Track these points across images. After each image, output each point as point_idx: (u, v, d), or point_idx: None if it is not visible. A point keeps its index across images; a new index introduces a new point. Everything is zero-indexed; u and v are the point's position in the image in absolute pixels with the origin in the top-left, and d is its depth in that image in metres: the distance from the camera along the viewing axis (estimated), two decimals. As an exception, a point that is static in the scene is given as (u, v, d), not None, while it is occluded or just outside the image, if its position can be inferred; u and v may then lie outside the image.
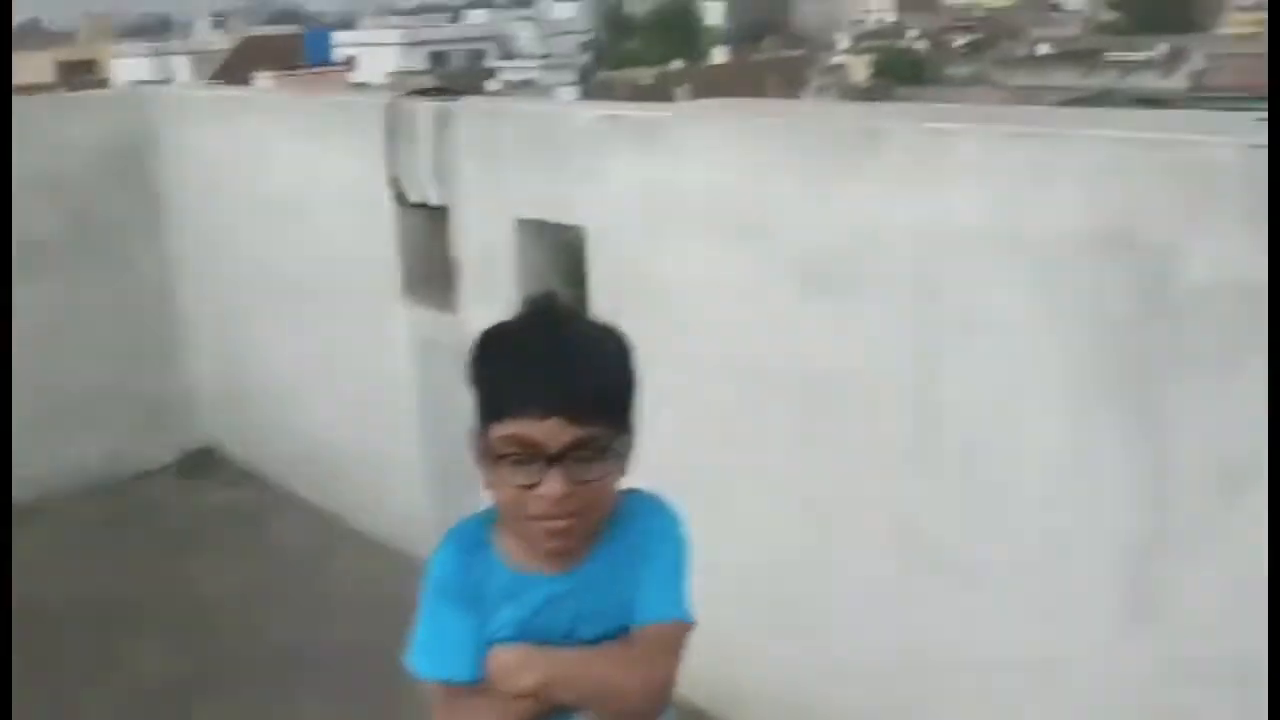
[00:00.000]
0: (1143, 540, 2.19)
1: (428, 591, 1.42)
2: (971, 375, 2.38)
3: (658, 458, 3.08)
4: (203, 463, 4.70)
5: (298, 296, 4.20)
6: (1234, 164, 1.96)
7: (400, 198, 3.52)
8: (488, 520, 1.42)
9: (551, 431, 1.27)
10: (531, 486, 1.29)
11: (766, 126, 2.74)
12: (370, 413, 3.96)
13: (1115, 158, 2.11)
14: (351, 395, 4.06)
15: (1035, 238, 2.21)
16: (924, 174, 2.37)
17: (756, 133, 2.73)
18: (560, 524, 1.32)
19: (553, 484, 1.28)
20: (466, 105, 3.38)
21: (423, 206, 3.49)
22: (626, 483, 1.42)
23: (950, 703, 2.57)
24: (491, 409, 1.31)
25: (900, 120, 2.56)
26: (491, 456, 1.31)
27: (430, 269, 3.62)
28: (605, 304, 3.04)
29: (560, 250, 3.31)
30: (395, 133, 3.46)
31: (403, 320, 3.69)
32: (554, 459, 1.28)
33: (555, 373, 1.29)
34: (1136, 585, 2.21)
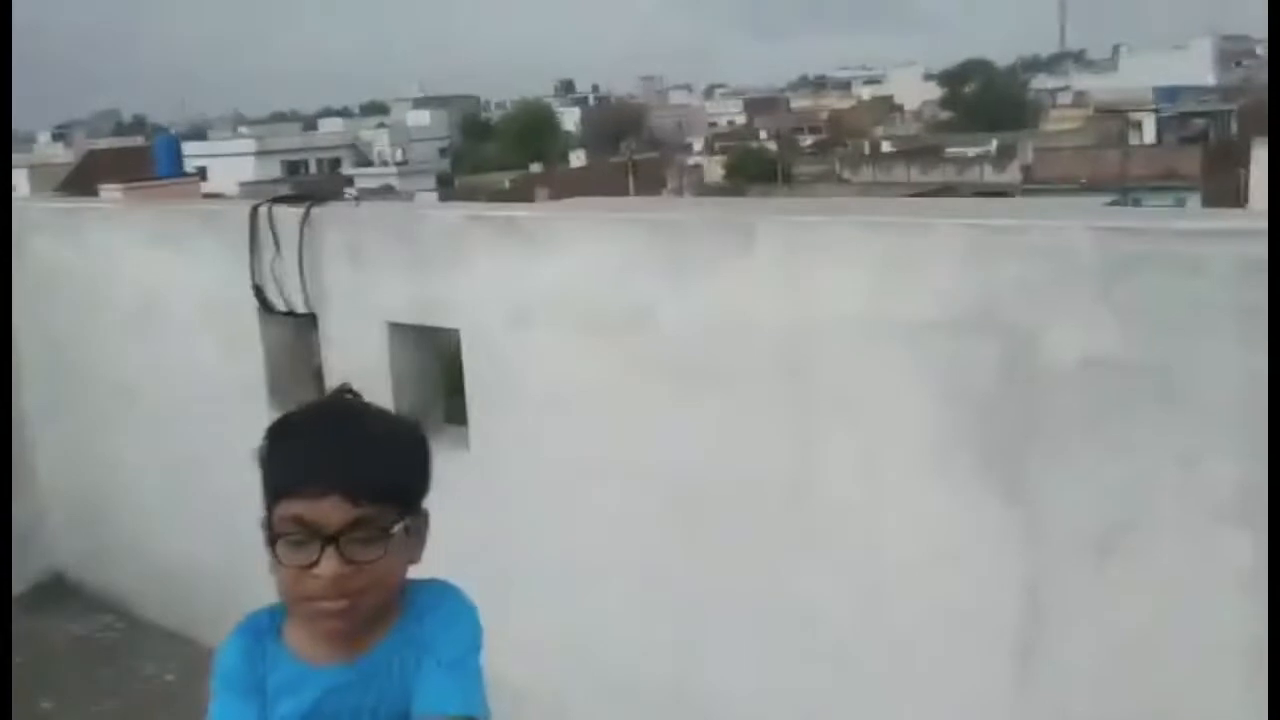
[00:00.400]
0: (1022, 608, 2.23)
1: (213, 682, 1.43)
2: (847, 459, 2.42)
3: (536, 554, 3.04)
4: (54, 592, 4.42)
5: (154, 411, 4.02)
6: (1086, 245, 2.06)
7: (265, 305, 3.43)
8: (280, 610, 1.42)
9: (328, 511, 1.30)
10: (309, 566, 1.30)
11: (635, 222, 2.78)
12: (235, 532, 3.78)
13: (975, 243, 2.20)
14: (214, 513, 3.88)
15: (904, 322, 2.27)
16: (793, 265, 2.42)
17: (626, 229, 2.76)
18: (337, 605, 1.32)
19: (329, 563, 1.30)
20: (331, 210, 3.34)
21: (289, 314, 3.41)
22: (438, 572, 1.44)
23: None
24: (274, 490, 1.34)
25: (768, 213, 2.62)
26: (273, 538, 1.33)
27: (298, 378, 3.53)
28: (481, 404, 3.01)
29: (434, 353, 3.27)
30: (258, 240, 3.38)
31: (269, 431, 3.56)
32: (331, 539, 1.29)
33: (333, 453, 1.33)
34: (1020, 653, 2.25)
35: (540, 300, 2.83)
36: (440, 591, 1.47)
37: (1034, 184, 32.95)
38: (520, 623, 2.63)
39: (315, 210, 3.28)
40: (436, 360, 3.27)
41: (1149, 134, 41.22)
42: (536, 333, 2.85)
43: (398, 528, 1.35)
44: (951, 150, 45.49)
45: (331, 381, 3.37)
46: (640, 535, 2.78)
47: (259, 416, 3.54)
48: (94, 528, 4.42)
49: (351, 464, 1.32)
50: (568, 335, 2.81)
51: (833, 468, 2.44)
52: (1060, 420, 2.14)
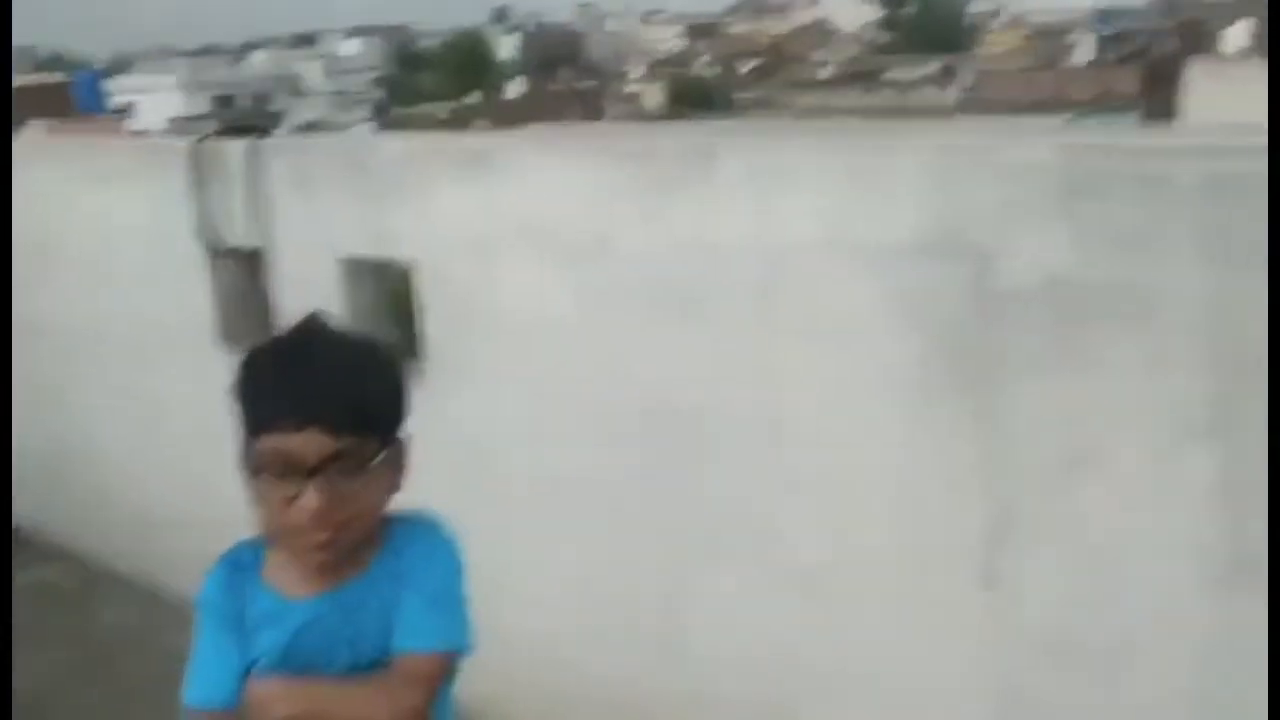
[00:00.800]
0: (991, 528, 2.26)
1: (198, 617, 1.43)
2: (817, 383, 2.42)
3: (502, 486, 3.03)
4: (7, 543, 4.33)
5: (103, 359, 3.93)
6: (1051, 164, 2.06)
7: (212, 243, 3.34)
8: (261, 544, 1.42)
9: (308, 444, 1.28)
10: (291, 500, 1.29)
11: (594, 149, 2.73)
12: (193, 474, 3.73)
13: (939, 164, 2.19)
14: (170, 459, 3.82)
15: (870, 245, 2.26)
16: (757, 188, 2.39)
17: (584, 156, 2.71)
18: (321, 537, 1.32)
19: (311, 497, 1.29)
20: (278, 142, 3.24)
21: (237, 251, 3.32)
22: (412, 503, 1.43)
23: (818, 708, 2.60)
24: (252, 424, 1.32)
25: (731, 137, 2.59)
26: (253, 472, 1.32)
27: (249, 316, 3.45)
28: (440, 338, 2.96)
29: (389, 286, 3.21)
30: (202, 175, 3.28)
31: (222, 372, 3.48)
32: (313, 472, 1.28)
33: (311, 385, 1.30)
34: (989, 573, 2.28)
35: (499, 230, 2.78)
36: (422, 523, 1.47)
37: (975, 106, 33.07)
38: (485, 555, 2.63)
39: (261, 142, 3.18)
40: (391, 293, 3.22)
41: (1086, 54, 41.42)
42: (497, 263, 2.81)
43: (379, 458, 1.34)
44: (892, 74, 45.38)
45: (283, 319, 3.31)
46: (608, 462, 2.78)
47: (211, 358, 3.49)
48: (47, 478, 4.34)
49: (329, 395, 1.30)
50: (529, 264, 2.77)
51: (801, 391, 2.44)
52: (1028, 340, 2.15)
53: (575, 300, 2.71)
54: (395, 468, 1.39)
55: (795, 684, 2.61)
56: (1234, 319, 1.94)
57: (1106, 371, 2.07)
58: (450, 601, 1.43)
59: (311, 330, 1.40)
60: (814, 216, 2.32)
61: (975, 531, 2.27)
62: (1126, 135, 2.21)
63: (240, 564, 1.43)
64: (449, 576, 1.44)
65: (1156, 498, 2.06)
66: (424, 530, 1.46)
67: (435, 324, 2.97)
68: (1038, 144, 2.10)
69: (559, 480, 2.87)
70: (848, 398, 2.38)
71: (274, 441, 1.29)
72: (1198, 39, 31.14)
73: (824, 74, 51.79)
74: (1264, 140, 2.07)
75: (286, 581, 1.40)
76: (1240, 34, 29.79)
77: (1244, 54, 27.92)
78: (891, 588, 2.41)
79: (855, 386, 2.37)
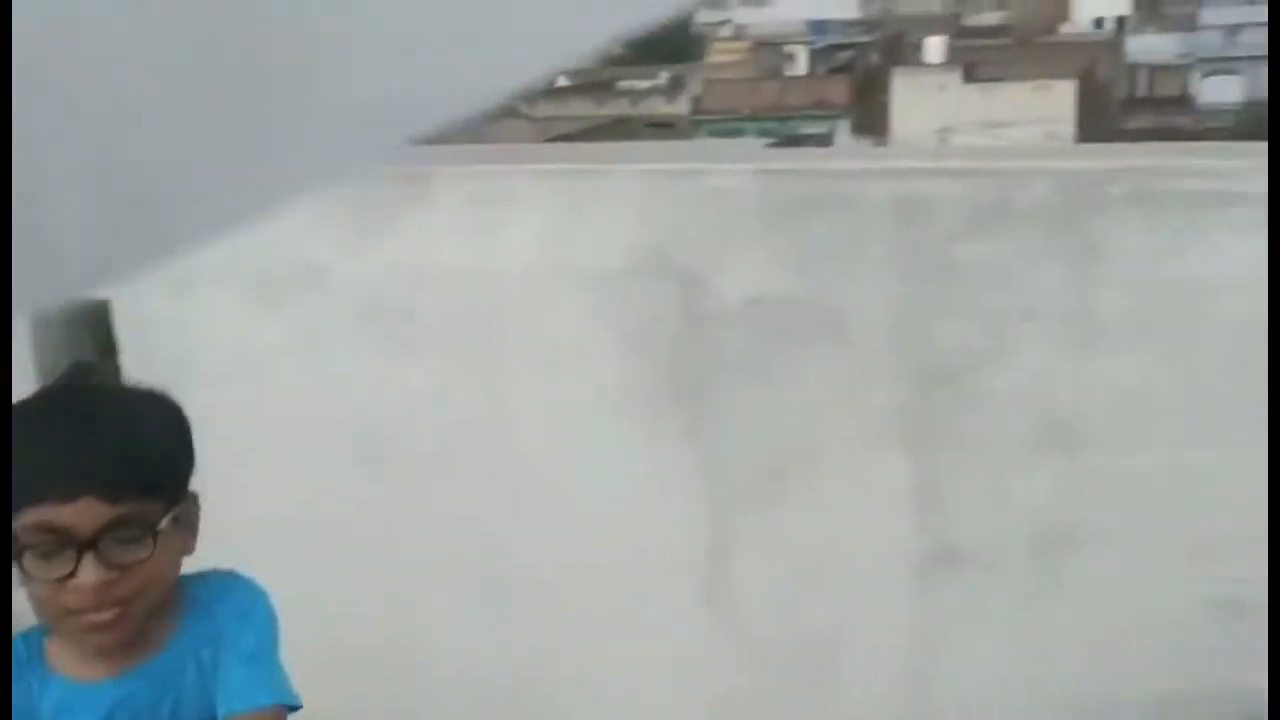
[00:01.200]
0: (707, 543, 2.33)
1: None
2: (543, 404, 2.42)
3: (228, 519, 2.87)
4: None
5: None
6: (750, 189, 2.14)
7: None
8: (37, 632, 1.26)
9: (81, 513, 1.14)
10: (65, 579, 1.14)
11: (304, 175, 2.62)
12: None
13: (648, 189, 2.24)
14: None
15: (588, 268, 2.28)
16: (473, 214, 2.37)
17: (293, 182, 2.60)
18: (104, 616, 1.18)
19: (88, 572, 1.14)
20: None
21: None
22: (201, 562, 1.33)
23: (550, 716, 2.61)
24: (12, 496, 1.15)
25: (445, 163, 2.55)
26: (17, 551, 1.15)
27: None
28: (143, 377, 2.76)
29: (84, 324, 2.97)
30: None
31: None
32: (88, 545, 1.14)
33: (79, 447, 1.16)
34: (708, 585, 2.35)
35: (204, 262, 2.62)
36: (225, 581, 1.35)
37: (702, 114, 34.34)
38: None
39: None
40: (86, 331, 2.98)
41: (802, 65, 43.68)
42: (203, 298, 2.65)
43: (165, 520, 1.20)
44: (624, 84, 46.35)
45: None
46: (332, 490, 2.68)
47: None
48: None
49: (103, 457, 1.16)
50: (239, 298, 2.62)
51: (525, 416, 2.44)
52: (735, 358, 2.22)
53: (289, 330, 2.60)
54: (186, 527, 1.26)
55: (525, 700, 2.61)
56: (923, 332, 2.08)
57: (808, 385, 2.18)
58: (271, 656, 1.33)
59: (76, 385, 1.26)
60: (532, 241, 2.32)
61: (694, 543, 2.34)
62: (823, 159, 2.32)
63: (15, 661, 1.25)
64: (266, 631, 1.34)
65: (857, 502, 2.18)
66: (231, 587, 1.35)
67: (137, 362, 2.77)
68: (740, 169, 2.18)
69: (284, 510, 2.74)
70: (573, 418, 2.40)
71: (40, 514, 1.13)
72: (901, 51, 33.54)
73: (561, 83, 52.25)
74: (950, 163, 2.24)
75: (80, 666, 1.25)
76: (937, 47, 32.35)
77: (941, 66, 30.34)
78: (618, 603, 2.44)
79: (580, 407, 2.38)
